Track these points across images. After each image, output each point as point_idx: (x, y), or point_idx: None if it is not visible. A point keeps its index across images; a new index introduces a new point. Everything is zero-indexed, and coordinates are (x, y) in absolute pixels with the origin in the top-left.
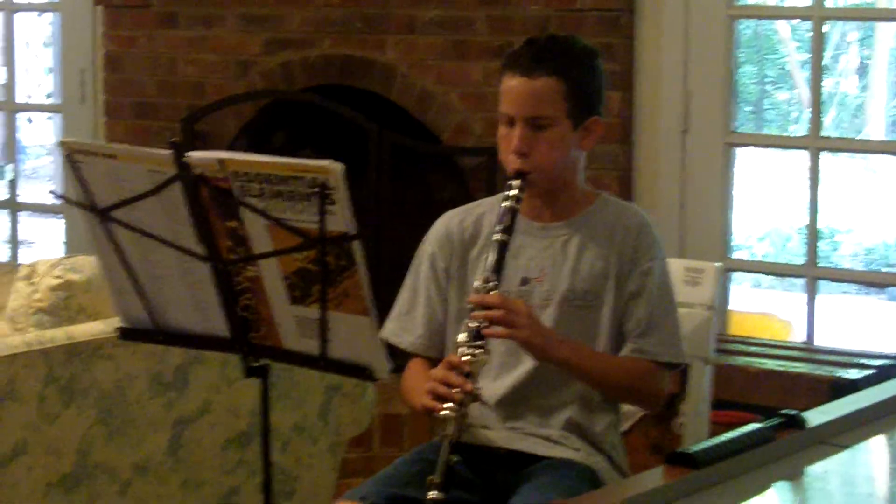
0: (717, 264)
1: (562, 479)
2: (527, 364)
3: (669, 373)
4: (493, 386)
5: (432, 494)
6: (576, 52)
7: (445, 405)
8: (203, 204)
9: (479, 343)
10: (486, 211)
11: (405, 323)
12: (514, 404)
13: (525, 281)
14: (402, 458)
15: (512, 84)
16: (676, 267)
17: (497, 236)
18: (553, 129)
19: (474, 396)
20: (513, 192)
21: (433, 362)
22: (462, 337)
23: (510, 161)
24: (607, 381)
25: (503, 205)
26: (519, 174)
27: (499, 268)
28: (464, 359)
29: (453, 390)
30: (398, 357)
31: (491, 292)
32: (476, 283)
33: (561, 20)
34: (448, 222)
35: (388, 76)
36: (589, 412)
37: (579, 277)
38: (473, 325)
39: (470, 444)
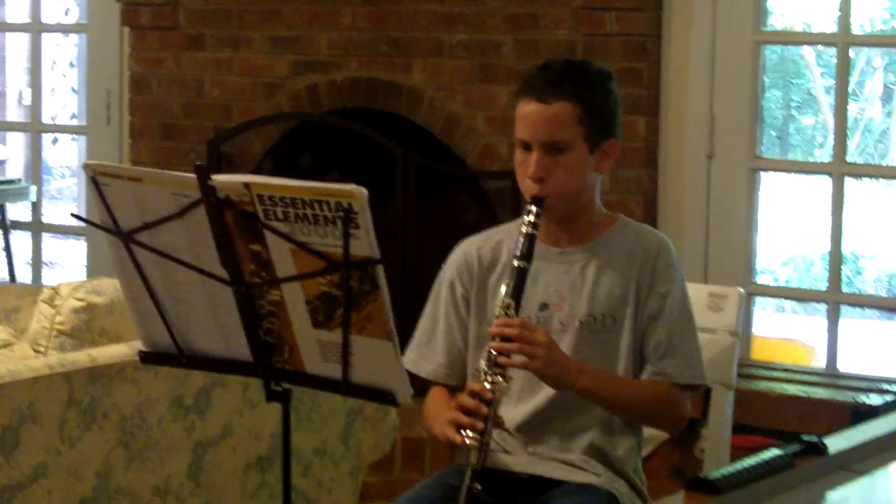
0: (741, 290)
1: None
2: (547, 390)
3: (690, 395)
4: (514, 411)
5: None
6: (591, 76)
7: (468, 434)
8: (227, 227)
9: (499, 370)
10: (505, 237)
11: (425, 352)
12: (534, 429)
13: (544, 306)
14: (423, 483)
15: (528, 110)
16: (700, 292)
17: (516, 262)
18: (570, 153)
19: (496, 424)
20: (531, 218)
21: (454, 390)
22: (483, 364)
23: (527, 187)
24: (628, 406)
25: (522, 230)
26: (536, 200)
27: (518, 294)
28: (486, 386)
29: (476, 419)
30: (420, 381)
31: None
32: (496, 311)
33: (588, 45)
34: (466, 249)
35: (414, 99)
36: (610, 436)
37: (598, 302)
38: (493, 352)
39: (491, 469)
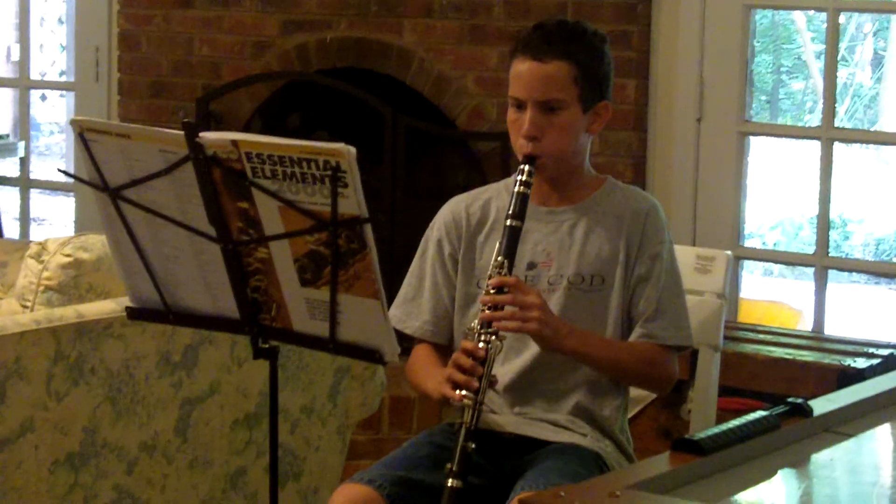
0: (728, 252)
1: (568, 463)
2: (534, 349)
3: (677, 356)
4: (502, 370)
5: (451, 482)
6: (586, 37)
7: (463, 392)
8: (215, 185)
9: (492, 329)
10: (493, 196)
11: (411, 308)
12: (521, 389)
13: (532, 265)
14: (411, 441)
15: (522, 68)
16: (687, 254)
17: (509, 221)
18: (563, 112)
19: (490, 383)
20: (523, 177)
21: (439, 348)
22: (475, 323)
23: (521, 145)
24: (617, 367)
25: (514, 189)
26: (529, 158)
27: (511, 253)
28: (479, 345)
29: (470, 378)
30: (405, 339)
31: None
32: (490, 269)
33: (578, 7)
34: (455, 208)
35: (404, 60)
36: (596, 396)
37: (586, 261)
38: (487, 312)
39: (478, 429)
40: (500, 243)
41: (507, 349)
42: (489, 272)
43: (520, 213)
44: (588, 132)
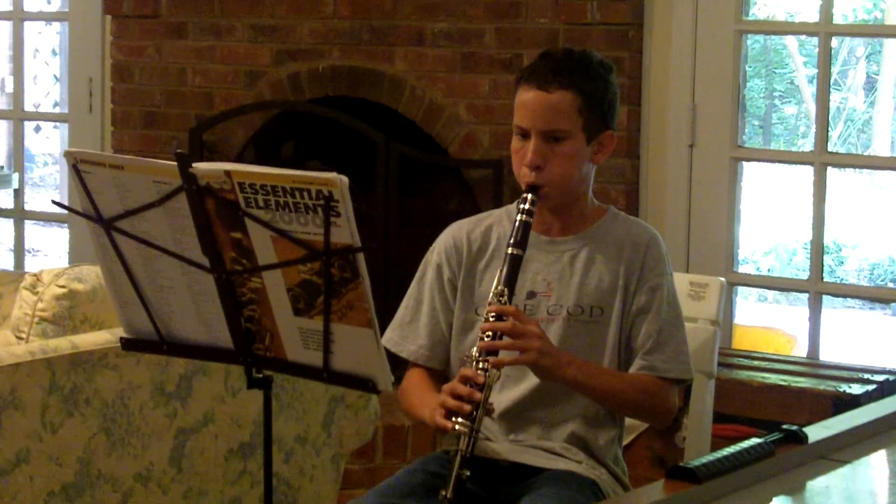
0: (722, 279)
1: (565, 489)
2: (532, 379)
3: (678, 388)
4: (498, 398)
5: None
6: (592, 67)
7: (459, 420)
8: (208, 215)
9: (491, 357)
10: (495, 222)
11: (407, 332)
12: (517, 417)
13: (531, 294)
14: (405, 470)
15: (528, 97)
16: (681, 281)
17: (510, 250)
18: (567, 142)
19: (487, 411)
20: (526, 206)
21: (433, 373)
22: (475, 350)
23: (523, 175)
24: (616, 399)
25: (517, 218)
26: (532, 188)
27: (512, 282)
28: (478, 373)
29: (467, 405)
30: (405, 366)
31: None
32: (489, 298)
33: (570, 34)
34: (456, 233)
35: (396, 88)
36: (592, 427)
37: (586, 292)
38: (486, 339)
39: (473, 456)
40: (501, 272)
41: (506, 377)
42: (489, 300)
43: (521, 242)
44: (592, 162)
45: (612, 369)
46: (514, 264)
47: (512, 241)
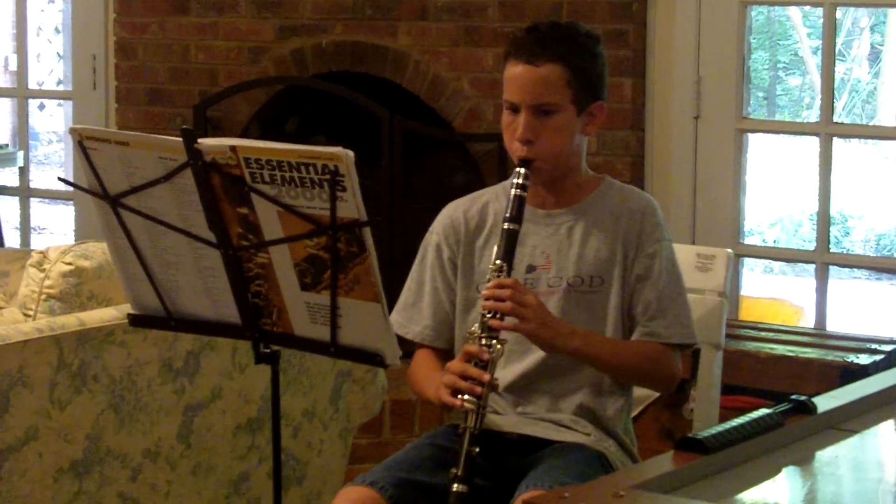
0: (729, 251)
1: (572, 462)
2: (537, 352)
3: (680, 354)
4: (504, 372)
5: (456, 487)
6: (579, 38)
7: (466, 397)
8: (214, 191)
9: (493, 333)
10: (491, 199)
11: (411, 313)
12: (524, 390)
13: (531, 268)
14: (413, 444)
15: (516, 71)
16: (688, 253)
17: (506, 225)
18: (558, 115)
19: (492, 387)
20: (519, 181)
21: (440, 353)
22: (476, 327)
23: (515, 149)
24: (619, 367)
25: (511, 193)
26: (524, 162)
27: (510, 256)
28: (481, 349)
29: (473, 383)
30: (407, 344)
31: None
32: (488, 274)
33: (573, 6)
34: (453, 212)
35: (399, 62)
36: (600, 397)
37: (585, 263)
38: (486, 314)
39: (481, 430)
40: (498, 247)
41: (511, 351)
42: (487, 276)
43: (517, 217)
44: (583, 133)
45: (613, 338)
46: (511, 239)
47: (507, 216)
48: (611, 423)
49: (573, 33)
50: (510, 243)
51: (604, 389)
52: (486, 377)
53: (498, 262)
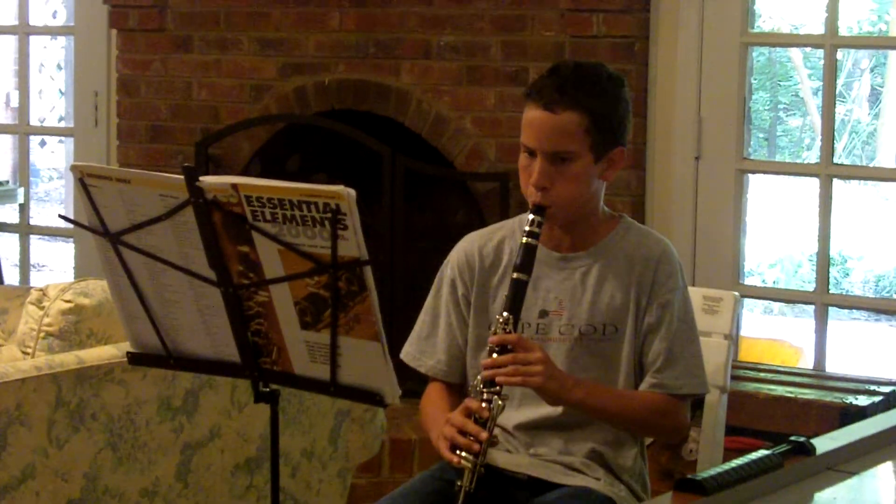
0: (735, 293)
1: None
2: None
3: (689, 403)
4: (517, 414)
5: None
6: (601, 83)
7: (463, 455)
8: (215, 228)
9: (495, 388)
10: (507, 235)
11: (425, 346)
12: (537, 432)
13: (543, 314)
14: (421, 475)
15: (534, 116)
16: (695, 295)
17: (515, 275)
18: (574, 163)
19: (492, 443)
20: (531, 228)
21: (452, 387)
22: (478, 380)
23: (530, 193)
24: (625, 419)
25: (522, 241)
26: (539, 209)
27: (516, 308)
28: (482, 405)
29: (471, 441)
30: (414, 380)
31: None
32: (494, 325)
33: (576, 46)
34: (469, 247)
35: (402, 101)
36: (614, 444)
37: (598, 311)
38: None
39: (491, 467)
40: (507, 297)
41: (525, 394)
42: (493, 328)
43: (526, 266)
44: (601, 179)
45: (620, 389)
46: (519, 289)
47: (516, 265)
48: (623, 469)
49: (595, 78)
50: (518, 294)
51: (618, 437)
52: (484, 435)
53: (505, 314)
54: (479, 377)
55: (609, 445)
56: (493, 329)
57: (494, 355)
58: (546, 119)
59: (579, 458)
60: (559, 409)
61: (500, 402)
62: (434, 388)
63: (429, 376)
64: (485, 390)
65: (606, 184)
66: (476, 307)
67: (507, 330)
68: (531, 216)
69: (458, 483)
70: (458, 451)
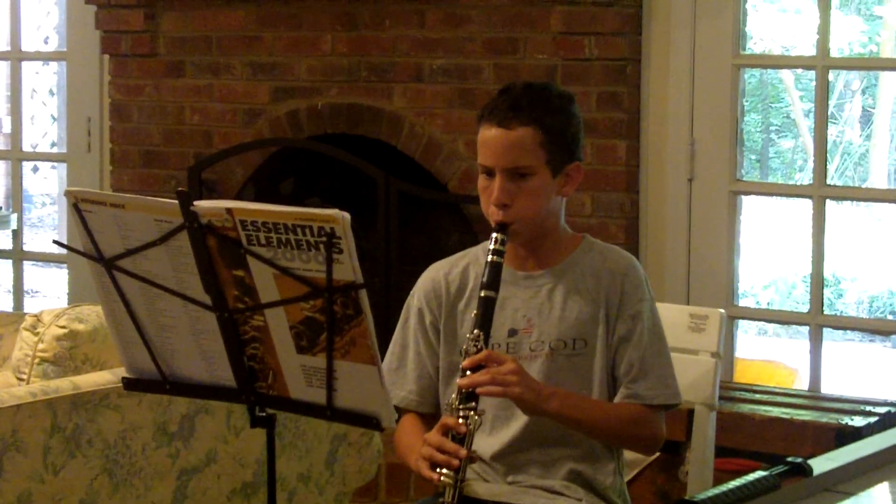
0: (721, 311)
1: None
2: (521, 418)
3: (664, 414)
4: (491, 440)
5: None
6: (552, 100)
7: (443, 472)
8: (210, 253)
9: (471, 404)
10: (471, 262)
11: (395, 378)
12: (513, 458)
13: (512, 332)
14: (419, 502)
15: (489, 135)
16: (681, 313)
17: (483, 293)
18: (532, 178)
19: (471, 459)
20: (495, 246)
21: (425, 417)
22: (454, 398)
23: (492, 213)
24: (601, 429)
25: (487, 259)
26: (501, 226)
27: (486, 325)
28: (459, 421)
29: (450, 457)
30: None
31: (480, 351)
32: (465, 343)
33: (567, 69)
34: (434, 275)
35: (394, 124)
36: (591, 462)
37: (567, 326)
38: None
39: (471, 499)
40: (475, 315)
41: (494, 419)
42: (465, 346)
43: (493, 283)
44: (559, 195)
45: (596, 399)
46: (487, 306)
47: (483, 282)
48: (603, 488)
49: (546, 95)
50: (487, 311)
51: (595, 454)
52: (463, 452)
53: (476, 331)
54: (453, 395)
55: (587, 462)
56: (464, 347)
57: (468, 373)
58: (502, 136)
59: (559, 482)
60: (532, 424)
61: (476, 417)
62: (407, 420)
63: (401, 408)
64: (461, 407)
65: (565, 200)
66: (445, 333)
67: (479, 347)
68: (494, 235)
69: (440, 501)
70: (437, 469)
